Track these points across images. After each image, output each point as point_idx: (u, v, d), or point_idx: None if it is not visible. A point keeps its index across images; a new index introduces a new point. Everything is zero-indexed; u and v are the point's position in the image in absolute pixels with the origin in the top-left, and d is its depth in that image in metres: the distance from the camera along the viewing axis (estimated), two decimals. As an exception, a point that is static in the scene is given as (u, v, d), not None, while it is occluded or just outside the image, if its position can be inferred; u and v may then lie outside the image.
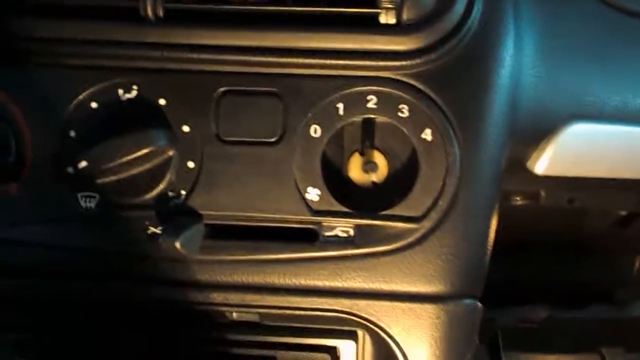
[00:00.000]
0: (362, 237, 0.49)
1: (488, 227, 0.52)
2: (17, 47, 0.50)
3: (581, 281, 0.83)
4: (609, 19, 0.58)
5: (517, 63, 0.52)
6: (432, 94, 0.49)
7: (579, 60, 0.55)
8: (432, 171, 0.49)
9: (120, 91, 0.50)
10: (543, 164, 0.56)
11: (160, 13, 0.49)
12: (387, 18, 0.48)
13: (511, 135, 0.52)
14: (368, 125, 0.50)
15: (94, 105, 0.50)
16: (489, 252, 0.52)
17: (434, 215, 0.49)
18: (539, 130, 0.55)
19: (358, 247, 0.49)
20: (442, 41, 0.48)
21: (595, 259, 0.79)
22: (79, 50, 0.50)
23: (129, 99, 0.50)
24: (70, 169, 0.50)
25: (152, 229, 0.50)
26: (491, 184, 0.51)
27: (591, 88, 0.55)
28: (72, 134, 0.50)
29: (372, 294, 0.50)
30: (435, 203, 0.49)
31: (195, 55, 0.49)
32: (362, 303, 0.50)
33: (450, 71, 0.49)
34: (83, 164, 0.48)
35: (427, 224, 0.49)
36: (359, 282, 0.50)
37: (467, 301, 0.51)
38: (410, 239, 0.49)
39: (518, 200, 0.68)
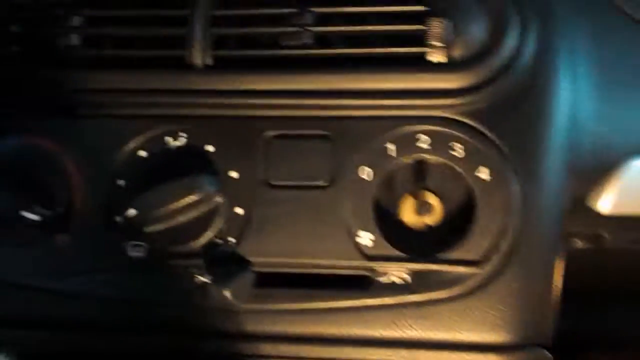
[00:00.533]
0: (419, 282, 0.47)
1: (552, 269, 0.49)
2: (67, 99, 0.51)
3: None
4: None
5: (574, 97, 0.50)
6: (486, 132, 0.47)
7: (637, 91, 0.53)
8: (491, 211, 0.46)
9: (169, 139, 0.50)
10: (607, 202, 0.53)
11: (209, 60, 0.49)
12: (436, 56, 0.47)
13: (571, 171, 0.49)
14: (420, 166, 0.49)
15: (142, 153, 0.50)
16: (556, 298, 0.49)
17: (496, 258, 0.46)
18: (601, 166, 0.52)
19: (415, 293, 0.47)
20: (495, 77, 0.47)
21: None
22: (128, 100, 0.50)
23: (177, 147, 0.50)
24: (119, 218, 0.49)
25: (201, 278, 0.49)
26: (554, 223, 0.48)
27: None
28: (121, 183, 0.50)
29: (432, 344, 0.47)
30: (496, 245, 0.46)
31: (243, 101, 0.49)
32: (421, 354, 0.47)
33: (505, 107, 0.47)
34: (132, 212, 0.47)
35: (488, 268, 0.46)
36: (418, 331, 0.47)
37: (536, 351, 0.47)
38: (471, 284, 0.46)
39: (579, 244, 0.64)
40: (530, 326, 0.47)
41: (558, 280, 0.49)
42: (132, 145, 0.50)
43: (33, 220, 0.49)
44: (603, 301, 0.71)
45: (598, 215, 0.55)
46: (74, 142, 0.51)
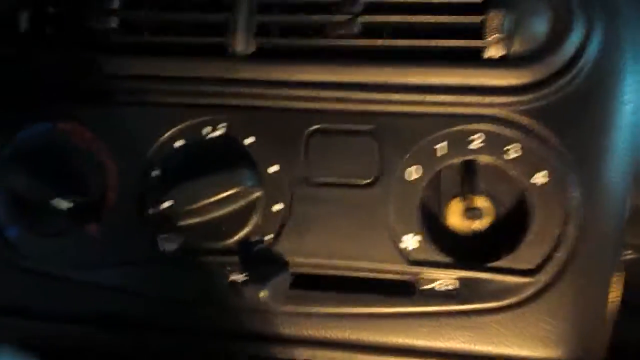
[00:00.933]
0: (466, 291, 0.44)
1: (609, 282, 0.46)
2: (104, 84, 0.49)
3: None
4: None
5: (639, 99, 0.47)
6: (545, 133, 0.44)
7: None
8: (547, 218, 0.43)
9: (207, 129, 0.48)
10: (668, 213, 0.50)
11: (252, 49, 0.47)
12: (494, 51, 0.45)
13: (635, 180, 0.46)
14: (469, 168, 0.46)
15: (179, 143, 0.48)
16: (612, 314, 0.46)
17: (551, 269, 0.43)
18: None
19: (462, 302, 0.44)
20: (556, 76, 0.44)
21: None
22: (165, 87, 0.48)
23: (215, 138, 0.48)
24: (152, 210, 0.48)
25: (235, 276, 0.47)
26: (614, 233, 0.45)
27: None
28: (156, 173, 0.48)
29: (478, 357, 0.44)
30: (551, 255, 0.43)
31: (285, 92, 0.47)
32: (466, 367, 0.44)
33: (566, 108, 0.44)
34: (165, 204, 0.46)
35: (542, 278, 0.43)
36: (463, 342, 0.44)
37: (588, 368, 0.45)
38: (522, 295, 0.43)
39: (630, 254, 0.61)
40: (582, 342, 0.44)
41: (615, 293, 0.46)
42: (168, 134, 0.48)
43: (64, 209, 0.48)
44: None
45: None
46: (108, 129, 0.49)
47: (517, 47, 0.45)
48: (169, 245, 0.47)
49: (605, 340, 0.46)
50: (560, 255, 0.43)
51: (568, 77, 0.44)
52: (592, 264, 0.44)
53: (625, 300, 0.52)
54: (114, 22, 0.49)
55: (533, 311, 0.43)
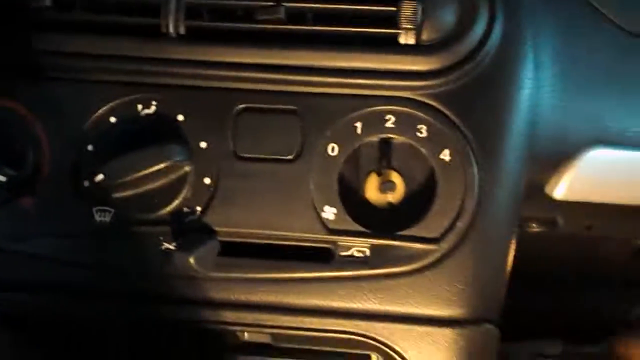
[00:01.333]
0: (378, 257, 0.49)
1: (507, 250, 0.51)
2: (38, 61, 0.51)
3: (598, 312, 0.81)
4: (626, 44, 0.58)
5: (536, 86, 0.52)
6: (450, 115, 0.48)
7: (598, 84, 0.55)
8: (450, 192, 0.48)
9: (140, 107, 0.50)
10: (562, 188, 0.56)
11: (182, 30, 0.50)
12: (406, 38, 0.48)
13: (530, 158, 0.51)
14: (385, 145, 0.50)
15: (112, 120, 0.50)
16: (507, 277, 0.51)
17: (452, 237, 0.48)
18: (559, 154, 0.54)
19: (374, 267, 0.49)
20: (461, 62, 0.49)
21: (613, 289, 0.77)
22: (100, 65, 0.50)
23: (147, 115, 0.50)
24: (86, 183, 0.50)
25: (166, 245, 0.50)
26: (510, 206, 0.50)
27: (611, 113, 0.55)
28: (90, 148, 0.50)
29: (388, 316, 0.49)
30: (453, 225, 0.48)
31: (214, 72, 0.50)
32: (378, 325, 0.49)
33: (469, 92, 0.49)
34: (99, 177, 0.48)
35: (444, 246, 0.48)
36: (375, 303, 0.49)
37: (486, 326, 0.50)
38: (427, 261, 0.48)
39: (534, 227, 0.67)
40: (480, 303, 0.49)
41: (510, 260, 0.51)
42: (102, 111, 0.50)
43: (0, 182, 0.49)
44: (553, 283, 0.75)
45: (553, 201, 0.57)
46: (43, 105, 0.51)
47: (426, 36, 0.49)
48: (103, 216, 0.50)
49: (500, 303, 0.51)
50: (460, 225, 0.48)
51: (472, 64, 0.49)
52: (489, 234, 0.49)
53: (526, 270, 0.58)
54: (47, 1, 0.50)
55: (437, 275, 0.48)
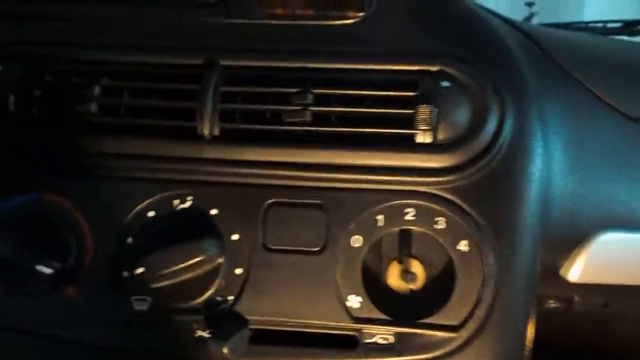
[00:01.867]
0: (401, 344, 0.51)
1: (525, 333, 0.53)
2: (83, 161, 0.55)
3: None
4: (627, 129, 0.61)
5: (547, 176, 0.55)
6: (467, 208, 0.52)
7: (604, 170, 0.58)
8: (469, 281, 0.51)
9: (176, 202, 0.54)
10: (576, 272, 0.58)
11: (217, 132, 0.54)
12: (424, 138, 0.52)
13: (544, 244, 0.54)
14: (406, 235, 0.53)
15: (151, 214, 0.54)
16: (527, 357, 0.53)
17: (472, 325, 0.50)
18: (570, 240, 0.57)
19: (398, 355, 0.51)
20: (475, 159, 0.52)
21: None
22: (141, 165, 0.54)
23: (183, 209, 0.54)
24: (126, 274, 0.53)
25: (200, 333, 0.52)
26: (527, 292, 0.53)
27: (619, 197, 0.58)
28: (130, 240, 0.54)
29: (412, 402, 0.51)
30: (472, 312, 0.51)
31: (246, 170, 0.54)
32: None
33: (484, 186, 0.52)
34: (140, 270, 0.51)
35: (465, 333, 0.50)
36: (399, 390, 0.51)
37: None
38: (449, 348, 0.50)
39: (552, 304, 0.69)
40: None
41: (529, 341, 0.53)
42: (141, 206, 0.54)
43: (46, 274, 0.53)
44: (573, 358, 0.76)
45: (569, 283, 0.60)
46: (86, 200, 0.55)
47: (442, 135, 0.52)
48: (141, 305, 0.53)
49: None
50: (479, 313, 0.50)
51: (485, 159, 0.52)
52: (507, 319, 0.51)
53: (546, 345, 0.60)
54: (94, 107, 0.55)
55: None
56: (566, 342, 0.73)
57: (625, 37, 0.96)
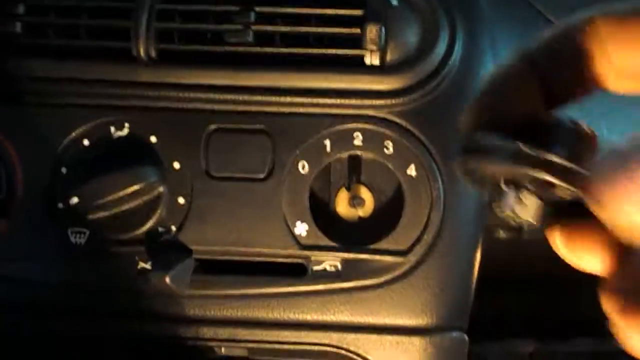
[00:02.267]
0: (349, 270, 0.50)
1: (472, 260, 0.53)
2: (10, 86, 0.51)
3: (568, 314, 0.84)
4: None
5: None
6: (415, 131, 0.50)
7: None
8: (417, 206, 0.50)
9: (112, 129, 0.51)
10: (524, 198, 0.58)
11: (153, 54, 0.51)
12: (371, 59, 0.50)
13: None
14: (354, 161, 0.52)
15: (86, 142, 0.51)
16: (474, 285, 0.53)
17: (420, 249, 0.50)
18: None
19: (345, 280, 0.50)
20: (424, 81, 0.50)
21: (582, 291, 0.80)
22: (72, 89, 0.51)
23: (120, 137, 0.51)
24: (61, 205, 0.51)
25: (142, 264, 0.51)
26: (475, 218, 0.52)
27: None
28: (64, 170, 0.51)
29: (360, 327, 0.51)
30: (420, 237, 0.50)
31: (186, 95, 0.51)
32: (350, 337, 0.51)
33: (433, 109, 0.51)
34: (74, 200, 0.49)
35: (412, 258, 0.50)
36: (347, 315, 0.50)
37: (454, 334, 0.52)
38: (396, 273, 0.50)
39: (501, 234, 0.69)
40: (448, 311, 0.51)
41: (476, 268, 0.53)
42: (75, 134, 0.51)
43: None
44: (520, 288, 0.77)
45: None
46: (15, 128, 0.51)
47: (390, 56, 0.50)
48: (78, 237, 0.51)
49: (467, 311, 0.53)
50: (427, 238, 0.50)
51: (434, 83, 0.50)
52: (455, 244, 0.51)
53: (493, 276, 0.60)
54: (18, 27, 0.51)
55: (406, 286, 0.50)
56: (515, 272, 0.74)
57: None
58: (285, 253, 0.51)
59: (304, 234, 0.50)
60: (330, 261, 0.51)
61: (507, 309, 0.77)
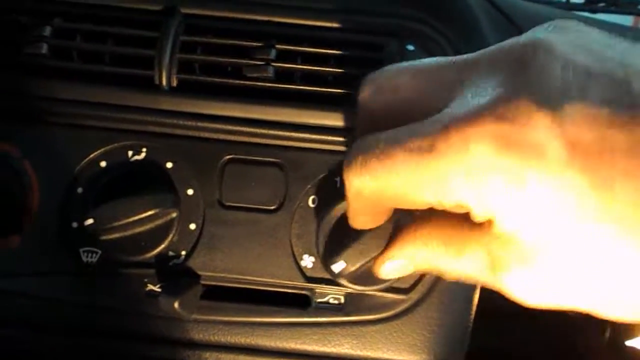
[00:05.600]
0: (352, 305, 0.52)
1: (471, 298, 0.55)
2: (32, 105, 0.53)
3: (561, 349, 0.85)
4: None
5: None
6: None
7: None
8: (421, 246, 0.52)
9: (130, 153, 0.52)
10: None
11: (174, 83, 0.52)
12: (385, 101, 0.52)
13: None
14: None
15: (103, 164, 0.52)
16: (470, 322, 0.55)
17: (421, 288, 0.52)
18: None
19: (348, 314, 0.52)
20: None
21: (573, 325, 0.82)
22: (94, 112, 0.52)
23: (137, 161, 0.52)
24: (75, 225, 0.52)
25: (151, 287, 0.52)
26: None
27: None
28: (80, 190, 0.52)
29: (359, 360, 0.52)
30: (422, 276, 0.52)
31: (204, 124, 0.52)
32: (350, 369, 0.52)
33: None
34: (89, 221, 0.50)
35: (414, 296, 0.52)
36: (347, 348, 0.52)
37: (449, 370, 0.53)
38: (397, 310, 0.51)
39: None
40: (446, 348, 0.53)
41: (474, 306, 0.55)
42: (93, 155, 0.52)
43: (-12, 221, 0.51)
44: (511, 320, 0.79)
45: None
46: (34, 147, 0.52)
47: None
48: (90, 257, 0.52)
49: (464, 345, 0.55)
50: (428, 277, 0.52)
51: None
52: (454, 284, 0.53)
53: (485, 309, 0.62)
54: (44, 49, 0.52)
55: (405, 323, 0.52)
56: (512, 307, 0.76)
57: (586, 14, 0.97)
58: (291, 284, 0.52)
59: (310, 266, 0.52)
60: (334, 294, 0.52)
61: (504, 344, 0.78)
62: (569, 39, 0.30)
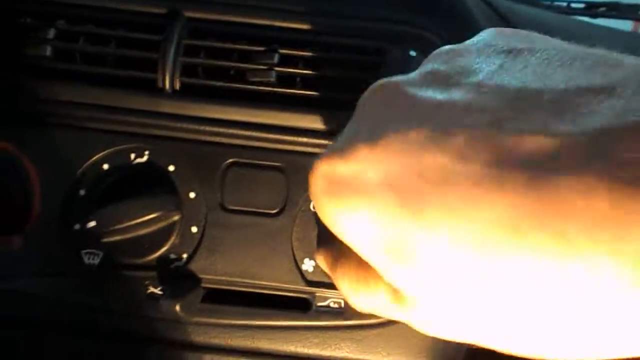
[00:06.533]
0: (352, 309, 0.51)
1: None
2: (35, 107, 0.53)
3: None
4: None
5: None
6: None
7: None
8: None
9: (132, 155, 0.53)
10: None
11: (177, 86, 0.52)
12: (387, 107, 0.52)
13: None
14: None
15: (105, 166, 0.53)
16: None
17: (421, 292, 0.52)
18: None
19: (348, 318, 0.52)
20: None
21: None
22: (96, 114, 0.52)
23: (140, 163, 0.53)
24: (77, 226, 0.52)
25: (152, 289, 0.52)
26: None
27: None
28: (82, 192, 0.52)
29: (360, 363, 0.52)
30: (423, 280, 0.52)
31: (206, 128, 0.52)
32: (349, 372, 0.52)
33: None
34: (91, 223, 0.50)
35: (414, 300, 0.52)
36: (347, 352, 0.52)
37: (446, 374, 0.54)
38: (397, 314, 0.52)
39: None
40: (444, 351, 0.53)
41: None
42: (96, 157, 0.52)
43: (-10, 222, 0.51)
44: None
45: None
46: (37, 148, 0.53)
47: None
48: (91, 259, 0.52)
49: (460, 350, 0.55)
50: (429, 282, 0.52)
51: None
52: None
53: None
54: (48, 50, 0.52)
55: (405, 327, 0.51)
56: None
57: (586, 18, 0.98)
58: (292, 288, 0.52)
59: (310, 270, 0.52)
60: (334, 298, 0.52)
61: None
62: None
